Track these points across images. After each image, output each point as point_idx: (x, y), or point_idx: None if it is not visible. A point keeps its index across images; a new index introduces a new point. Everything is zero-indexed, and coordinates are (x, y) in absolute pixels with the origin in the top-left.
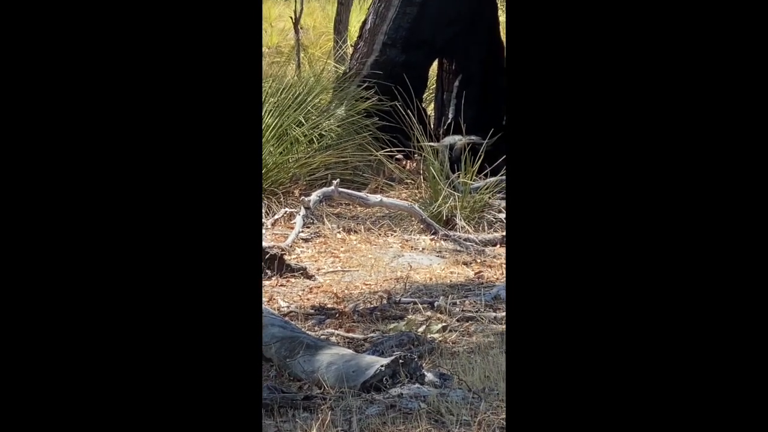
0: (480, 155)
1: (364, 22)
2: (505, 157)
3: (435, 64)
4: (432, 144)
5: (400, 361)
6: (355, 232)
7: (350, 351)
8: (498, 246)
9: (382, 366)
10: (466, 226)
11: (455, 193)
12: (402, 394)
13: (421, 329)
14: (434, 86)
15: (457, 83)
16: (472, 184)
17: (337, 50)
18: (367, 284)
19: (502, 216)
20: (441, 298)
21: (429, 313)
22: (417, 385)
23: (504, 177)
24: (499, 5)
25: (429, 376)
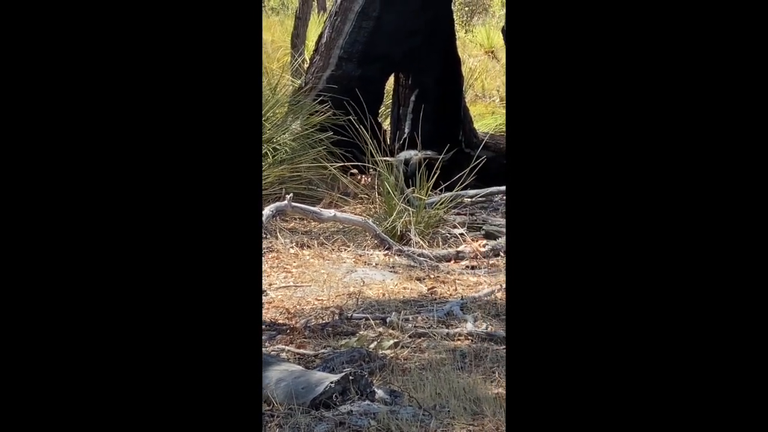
0: (435, 170)
1: (320, 36)
2: (460, 174)
3: (391, 78)
4: (387, 159)
5: (350, 377)
6: (308, 247)
7: (300, 367)
8: (452, 262)
9: (332, 383)
10: (421, 242)
11: (410, 209)
12: (352, 411)
13: (372, 345)
14: (390, 101)
15: (413, 98)
16: (426, 199)
17: (294, 64)
18: (319, 300)
19: (457, 231)
20: (393, 314)
21: (381, 329)
22: (367, 402)
23: (458, 192)
24: (456, 21)
25: (379, 393)
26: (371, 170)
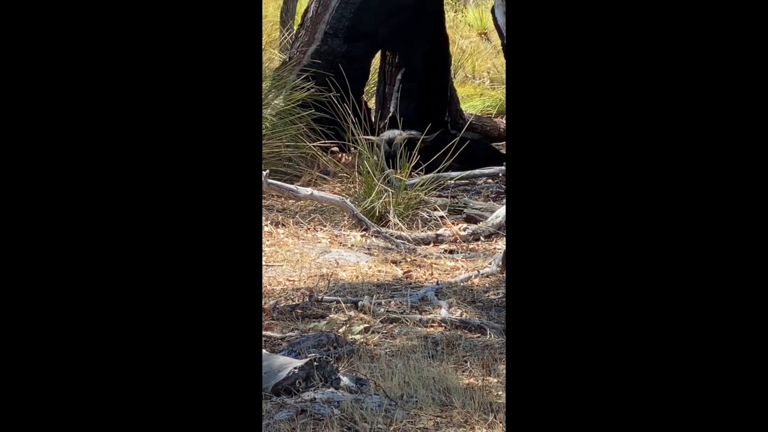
0: (418, 151)
1: (306, 10)
2: (441, 152)
3: (378, 55)
4: (370, 138)
5: (315, 363)
6: (283, 225)
7: (264, 351)
8: (431, 245)
9: (295, 368)
10: (399, 224)
11: (389, 189)
12: (315, 398)
13: (342, 330)
14: (376, 78)
15: (399, 76)
16: (406, 180)
17: (282, 40)
18: (290, 280)
19: (437, 214)
20: (365, 297)
21: (352, 313)
22: (331, 389)
23: (440, 174)
24: (448, 1)
25: (345, 380)
26: (353, 149)
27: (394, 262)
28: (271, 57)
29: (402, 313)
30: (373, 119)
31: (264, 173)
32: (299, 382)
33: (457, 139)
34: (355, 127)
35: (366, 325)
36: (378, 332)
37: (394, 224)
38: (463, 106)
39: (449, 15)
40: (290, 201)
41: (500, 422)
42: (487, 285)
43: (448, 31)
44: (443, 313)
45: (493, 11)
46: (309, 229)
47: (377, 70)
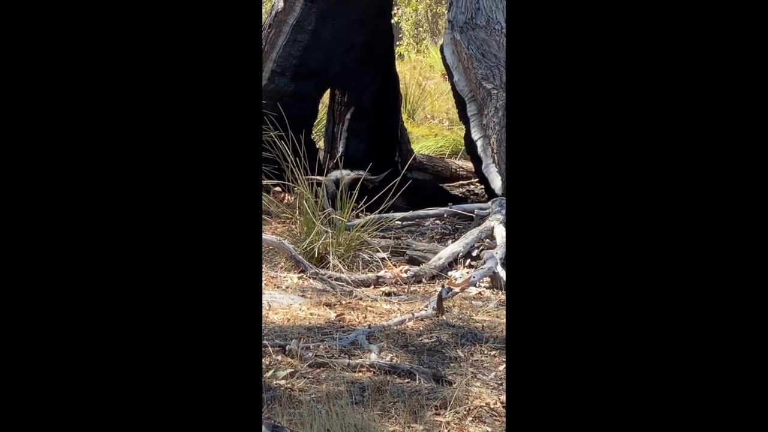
0: (366, 191)
1: None
2: (392, 195)
3: (327, 94)
4: (317, 178)
5: None
6: None
7: None
8: (372, 287)
9: None
10: (339, 265)
11: (330, 230)
12: None
13: (267, 375)
14: (325, 118)
15: (348, 116)
16: (347, 221)
17: None
18: None
19: (379, 255)
20: (293, 341)
21: (279, 357)
22: None
23: (383, 215)
24: (410, 42)
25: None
26: (297, 189)
27: (328, 305)
28: None
29: (330, 357)
30: (321, 159)
31: None
32: None
33: (400, 178)
34: (296, 167)
35: (291, 370)
36: (304, 377)
37: (334, 266)
38: (417, 146)
39: (412, 56)
40: None
41: None
42: (421, 328)
43: (412, 72)
44: (373, 357)
45: (441, 50)
46: None
47: (327, 109)
